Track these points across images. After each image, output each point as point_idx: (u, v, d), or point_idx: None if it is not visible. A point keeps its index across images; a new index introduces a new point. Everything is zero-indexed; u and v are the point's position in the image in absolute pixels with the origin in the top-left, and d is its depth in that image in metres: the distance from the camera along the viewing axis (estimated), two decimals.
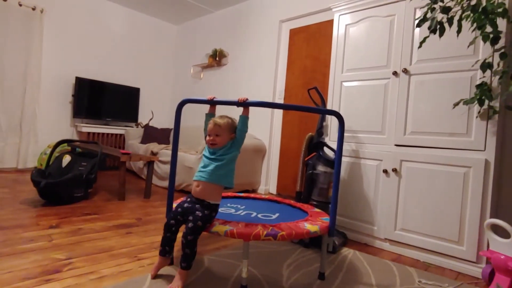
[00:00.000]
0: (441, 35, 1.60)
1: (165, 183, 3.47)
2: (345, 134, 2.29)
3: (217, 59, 4.31)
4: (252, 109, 4.06)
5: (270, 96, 3.70)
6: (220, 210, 1.72)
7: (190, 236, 1.32)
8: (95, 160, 2.77)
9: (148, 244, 1.82)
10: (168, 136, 4.64)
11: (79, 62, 4.35)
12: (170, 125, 5.21)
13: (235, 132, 1.49)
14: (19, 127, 3.83)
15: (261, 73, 3.85)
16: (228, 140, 1.47)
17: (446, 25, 1.63)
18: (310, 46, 3.45)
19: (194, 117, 4.70)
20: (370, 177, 2.15)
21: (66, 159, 2.86)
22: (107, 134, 4.45)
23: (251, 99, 1.55)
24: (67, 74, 4.24)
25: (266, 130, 3.73)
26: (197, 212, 1.38)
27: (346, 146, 2.28)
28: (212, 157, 1.46)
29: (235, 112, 1.65)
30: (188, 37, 5.10)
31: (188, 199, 1.47)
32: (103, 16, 4.56)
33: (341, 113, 2.30)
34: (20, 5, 3.79)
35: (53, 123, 4.17)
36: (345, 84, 2.35)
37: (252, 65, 3.98)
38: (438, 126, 1.89)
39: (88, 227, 2.02)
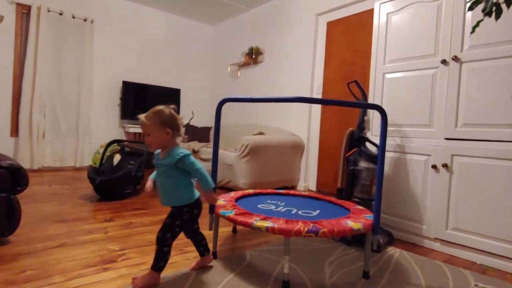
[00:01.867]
0: (497, 17, 1.46)
1: None
2: (389, 128, 2.18)
3: (253, 56, 4.34)
4: (289, 105, 4.05)
5: (307, 91, 3.65)
6: (260, 206, 1.74)
7: (160, 233, 1.29)
8: (142, 159, 2.95)
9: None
10: (208, 134, 4.78)
11: (125, 67, 4.64)
12: (210, 123, 5.36)
13: (171, 127, 1.27)
14: (75, 129, 4.19)
15: (298, 68, 3.81)
16: (163, 137, 1.26)
17: (503, 6, 1.48)
18: (349, 38, 3.34)
19: (233, 115, 4.78)
20: (417, 173, 2.04)
21: (117, 158, 3.07)
22: None
23: (288, 94, 1.53)
24: (115, 78, 4.55)
25: (304, 126, 3.68)
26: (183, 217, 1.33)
27: (389, 141, 2.18)
28: (160, 163, 1.31)
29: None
30: (224, 37, 5.20)
31: None
32: (145, 23, 4.81)
33: (384, 106, 2.20)
34: (74, 17, 4.14)
35: (104, 125, 4.50)
36: (387, 76, 2.24)
37: (289, 61, 3.95)
38: (495, 117, 1.73)
39: (137, 221, 2.16)
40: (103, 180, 2.58)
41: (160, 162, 1.31)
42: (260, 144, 3.15)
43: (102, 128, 4.47)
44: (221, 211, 1.56)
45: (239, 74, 4.80)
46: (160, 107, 1.30)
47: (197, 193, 1.37)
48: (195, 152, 3.83)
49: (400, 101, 2.16)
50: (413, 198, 2.05)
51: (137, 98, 4.64)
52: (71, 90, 4.15)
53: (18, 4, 3.83)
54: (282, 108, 3.96)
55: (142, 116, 1.27)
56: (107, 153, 3.59)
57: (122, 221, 2.15)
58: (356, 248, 1.87)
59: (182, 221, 1.32)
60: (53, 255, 1.56)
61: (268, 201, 1.88)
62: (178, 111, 1.37)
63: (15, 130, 3.86)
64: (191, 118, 5.13)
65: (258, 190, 2.09)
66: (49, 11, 3.94)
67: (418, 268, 1.64)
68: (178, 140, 4.50)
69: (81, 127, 4.19)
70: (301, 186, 3.67)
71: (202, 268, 1.49)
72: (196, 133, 4.64)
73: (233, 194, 1.93)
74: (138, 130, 4.56)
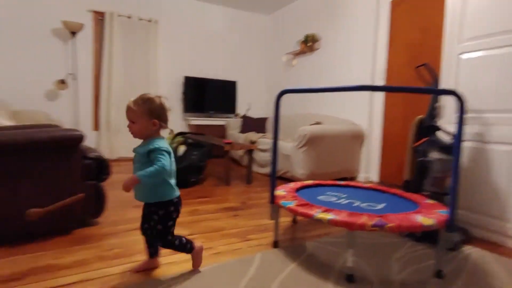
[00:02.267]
0: None
1: (264, 170, 3.65)
2: (466, 115, 1.96)
3: (309, 44, 4.24)
4: (348, 92, 3.86)
5: (368, 78, 3.45)
6: (320, 198, 1.72)
7: (160, 242, 1.29)
8: (204, 150, 3.11)
9: (254, 226, 1.97)
10: (264, 125, 4.84)
11: (186, 62, 4.91)
12: (266, 114, 5.41)
13: (159, 118, 1.21)
14: None
15: (357, 54, 3.61)
16: (149, 128, 1.21)
17: None
18: (416, 17, 3.05)
19: (290, 105, 4.75)
20: (502, 165, 1.81)
21: (182, 149, 3.29)
22: (211, 125, 4.92)
23: (347, 82, 1.46)
24: (177, 74, 4.84)
25: (364, 114, 3.50)
26: (154, 216, 1.26)
27: (466, 129, 1.96)
28: (135, 150, 1.25)
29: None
30: (280, 26, 5.15)
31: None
32: (204, 19, 5.00)
33: (460, 90, 1.98)
34: (140, 19, 4.48)
35: (170, 118, 4.83)
36: (463, 56, 2.00)
37: (347, 46, 3.76)
38: None
39: (202, 209, 2.31)
40: None
41: (136, 149, 1.25)
42: (318, 134, 3.09)
43: (168, 122, 4.81)
44: (281, 201, 1.58)
45: (294, 63, 4.73)
46: (151, 95, 1.22)
47: (176, 192, 1.30)
48: (252, 142, 3.91)
49: (480, 84, 1.92)
50: (496, 192, 1.83)
51: (197, 92, 4.88)
52: (140, 87, 4.53)
53: (94, 12, 4.28)
54: (341, 96, 3.81)
55: (130, 101, 1.19)
56: (173, 145, 3.87)
57: (188, 207, 2.31)
58: (426, 245, 1.74)
59: (172, 219, 1.29)
60: (133, 236, 1.75)
61: (329, 193, 1.84)
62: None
63: (96, 125, 4.38)
64: (248, 110, 5.23)
65: (318, 182, 2.06)
66: (119, 15, 4.33)
67: (502, 270, 1.47)
68: (239, 130, 4.59)
69: None
70: (361, 178, 3.52)
71: (146, 270, 1.37)
72: (253, 124, 4.73)
73: (292, 185, 1.94)
74: (200, 122, 4.81)
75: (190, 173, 2.95)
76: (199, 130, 4.80)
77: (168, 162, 1.19)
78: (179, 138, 4.17)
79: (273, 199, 1.66)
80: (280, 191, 1.77)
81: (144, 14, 4.51)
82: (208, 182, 3.17)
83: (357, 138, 3.42)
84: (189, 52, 4.93)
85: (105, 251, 1.56)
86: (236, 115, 5.19)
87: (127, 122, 1.26)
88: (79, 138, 1.69)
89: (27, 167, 1.61)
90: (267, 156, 3.61)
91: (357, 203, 1.63)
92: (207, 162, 3.18)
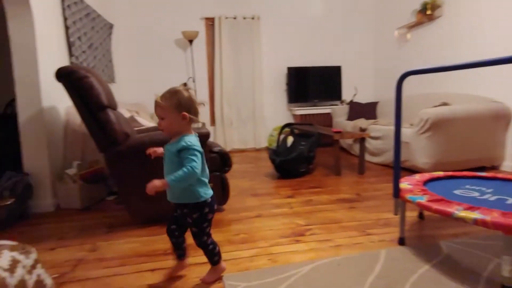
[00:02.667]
0: None
1: (377, 159, 3.40)
2: None
3: (428, 13, 3.66)
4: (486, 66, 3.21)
5: (509, 46, 2.76)
6: (457, 192, 1.49)
7: (196, 240, 1.22)
8: (312, 140, 3.10)
9: (374, 220, 1.86)
10: (374, 111, 4.49)
11: (288, 53, 4.94)
12: (374, 98, 5.00)
13: (189, 111, 1.12)
14: (253, 115, 4.87)
15: (496, 16, 2.92)
16: (179, 122, 1.12)
17: None
18: None
19: (407, 85, 4.25)
20: None
21: (290, 140, 3.36)
22: (316, 114, 4.85)
23: (480, 54, 1.18)
24: (281, 66, 4.93)
25: (509, 89, 2.83)
26: (187, 218, 1.19)
27: None
28: (166, 147, 1.17)
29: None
30: None
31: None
32: (303, 8, 4.91)
33: None
34: (244, 18, 4.73)
35: (275, 110, 5.01)
36: None
37: (481, 8, 3.08)
38: None
39: (315, 199, 2.31)
40: (282, 160, 2.90)
41: (166, 147, 1.17)
42: (445, 117, 2.66)
43: (273, 113, 4.99)
44: (408, 196, 1.43)
45: (408, 37, 4.18)
46: (178, 87, 1.15)
47: (209, 191, 1.21)
48: (362, 130, 3.68)
49: None
50: None
51: (300, 81, 4.87)
52: (247, 82, 4.83)
53: (206, 19, 4.73)
54: (474, 70, 3.17)
55: (157, 97, 1.12)
56: (281, 136, 3.99)
57: (302, 198, 2.35)
58: None
59: (207, 221, 1.21)
60: (254, 223, 1.90)
61: (468, 186, 1.57)
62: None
63: (213, 121, 4.89)
64: (355, 95, 4.94)
65: (451, 173, 1.79)
66: (226, 18, 4.67)
67: None
68: (346, 117, 4.38)
69: (257, 113, 4.83)
70: (507, 167, 2.88)
71: (174, 275, 1.33)
72: (361, 110, 4.44)
73: (418, 176, 1.73)
74: (305, 112, 4.81)
75: (299, 163, 2.98)
76: (303, 120, 4.80)
77: (199, 163, 1.10)
78: (287, 129, 4.27)
79: (397, 192, 1.52)
80: (405, 183, 1.61)
81: (247, 12, 4.74)
82: (317, 172, 3.15)
83: (499, 119, 2.81)
84: (290, 42, 4.95)
85: (233, 235, 1.73)
86: (342, 102, 4.96)
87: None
88: (207, 135, 1.90)
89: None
90: (379, 144, 3.34)
91: (510, 200, 1.34)
92: (315, 152, 3.16)
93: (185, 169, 1.06)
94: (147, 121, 3.29)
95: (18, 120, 2.24)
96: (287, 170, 2.97)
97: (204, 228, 1.21)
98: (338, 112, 4.64)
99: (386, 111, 4.28)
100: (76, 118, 2.47)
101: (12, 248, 0.93)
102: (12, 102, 3.27)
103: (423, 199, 1.36)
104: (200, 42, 4.73)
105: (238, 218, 2.00)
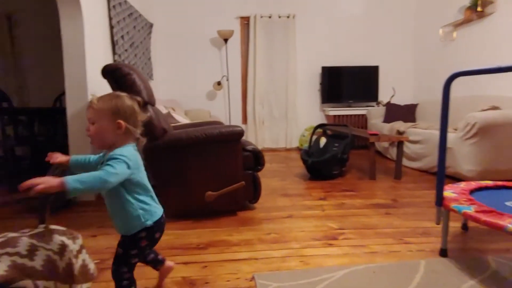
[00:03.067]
0: None
1: (415, 164, 3.23)
2: None
3: (478, 9, 3.41)
4: None
5: None
6: (510, 204, 1.37)
7: (113, 266, 0.98)
8: (346, 141, 3.01)
9: (412, 228, 1.77)
10: (413, 113, 4.28)
11: (323, 52, 4.85)
12: (413, 100, 4.76)
13: (129, 121, 0.93)
14: (285, 115, 4.84)
15: None
16: (112, 131, 0.91)
17: None
18: None
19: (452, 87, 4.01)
20: None
21: (323, 141, 3.30)
22: (350, 115, 4.72)
23: None
24: (315, 65, 4.85)
25: None
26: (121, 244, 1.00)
27: None
28: (101, 167, 0.88)
29: None
30: None
31: None
32: (339, 5, 4.79)
33: None
34: (279, 16, 4.70)
35: (307, 110, 4.94)
36: None
37: None
38: None
39: (349, 203, 2.24)
40: (314, 161, 2.85)
41: (101, 166, 0.89)
42: (494, 122, 2.47)
43: (306, 113, 4.92)
44: (453, 205, 1.34)
45: (454, 36, 3.93)
46: (122, 93, 0.97)
47: (159, 211, 1.00)
48: (399, 133, 3.52)
49: None
50: None
51: (335, 81, 4.76)
52: (280, 82, 4.80)
53: (241, 18, 4.76)
54: None
55: (94, 97, 0.94)
56: (314, 136, 3.93)
57: (334, 201, 2.29)
58: None
59: (139, 249, 0.98)
60: (286, 224, 1.88)
61: None
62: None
63: (244, 119, 4.92)
64: (392, 96, 4.74)
65: (501, 182, 1.65)
66: (261, 17, 4.67)
67: None
68: (382, 119, 4.20)
69: (289, 113, 4.79)
70: None
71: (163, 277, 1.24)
72: (399, 112, 4.24)
73: (463, 185, 1.62)
74: (338, 112, 4.69)
75: (332, 165, 2.91)
76: (336, 121, 4.69)
77: (121, 173, 0.86)
78: (319, 130, 4.19)
79: (440, 200, 1.43)
80: (449, 191, 1.51)
81: (282, 11, 4.70)
82: (351, 175, 3.06)
83: None
84: (325, 41, 4.85)
85: (264, 234, 1.73)
86: (379, 103, 4.78)
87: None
88: (241, 133, 1.92)
89: (202, 158, 1.94)
90: (419, 149, 3.17)
91: None
92: (349, 154, 3.07)
93: (96, 172, 0.83)
94: (183, 118, 3.38)
95: (66, 114, 2.40)
96: (319, 171, 2.92)
97: (130, 256, 0.97)
98: (374, 113, 4.47)
99: (426, 113, 4.06)
100: None
101: (62, 233, 1.00)
102: (60, 97, 3.50)
103: (470, 209, 1.27)
104: (235, 41, 4.77)
105: (269, 217, 1.99)
